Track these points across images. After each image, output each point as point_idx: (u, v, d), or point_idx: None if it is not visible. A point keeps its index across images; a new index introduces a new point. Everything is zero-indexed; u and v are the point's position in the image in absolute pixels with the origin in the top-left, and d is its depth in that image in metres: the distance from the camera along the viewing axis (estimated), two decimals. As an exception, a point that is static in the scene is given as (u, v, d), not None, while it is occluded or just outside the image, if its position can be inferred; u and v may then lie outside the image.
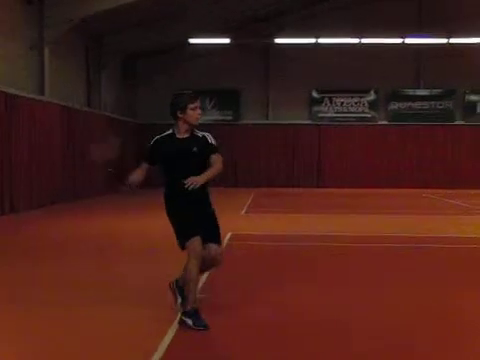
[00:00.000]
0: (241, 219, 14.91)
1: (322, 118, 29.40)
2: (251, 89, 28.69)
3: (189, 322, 5.46)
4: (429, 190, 26.01)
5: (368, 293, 6.98)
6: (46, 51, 18.64)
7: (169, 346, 4.99)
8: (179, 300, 5.73)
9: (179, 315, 5.62)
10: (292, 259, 9.34)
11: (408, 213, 16.66)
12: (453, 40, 26.62)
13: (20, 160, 16.47)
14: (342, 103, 29.39)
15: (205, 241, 5.60)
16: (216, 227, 5.72)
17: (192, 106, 5.65)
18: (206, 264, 5.67)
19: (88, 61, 23.23)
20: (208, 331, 5.34)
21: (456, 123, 29.10)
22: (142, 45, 25.26)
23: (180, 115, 5.68)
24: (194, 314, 5.47)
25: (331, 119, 29.39)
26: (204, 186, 5.57)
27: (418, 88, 29.16)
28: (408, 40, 26.77)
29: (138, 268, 8.47)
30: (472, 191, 24.72)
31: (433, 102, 29.19)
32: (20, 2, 17.58)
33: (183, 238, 5.52)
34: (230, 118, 29.31)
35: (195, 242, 5.48)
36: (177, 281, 5.82)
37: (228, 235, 11.02)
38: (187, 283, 5.54)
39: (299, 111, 29.16)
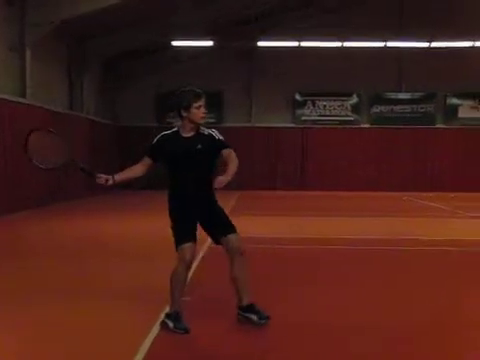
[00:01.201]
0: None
1: (305, 121, 29.49)
2: (234, 92, 28.69)
3: (170, 325, 5.44)
4: (410, 193, 26.15)
5: (362, 294, 7.01)
6: (27, 53, 18.48)
7: (151, 347, 4.97)
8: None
9: (162, 317, 5.60)
10: (281, 261, 9.33)
11: (392, 216, 16.73)
12: (434, 44, 26.84)
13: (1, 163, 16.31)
14: (325, 106, 29.50)
15: (222, 235, 5.56)
16: (227, 218, 5.64)
17: (196, 105, 5.48)
18: (233, 256, 5.58)
19: (70, 63, 23.08)
20: (189, 334, 5.32)
21: (437, 126, 29.33)
22: (124, 47, 25.17)
23: (184, 114, 5.52)
24: (176, 317, 5.46)
25: (314, 122, 29.48)
26: (209, 185, 5.51)
27: (400, 92, 29.35)
28: (390, 44, 26.94)
29: (121, 268, 8.42)
30: (452, 194, 24.89)
31: (415, 105, 29.40)
32: (1, 3, 17.41)
33: (177, 242, 5.48)
34: (213, 121, 29.21)
35: (186, 248, 5.43)
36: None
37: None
38: (172, 285, 5.52)
39: (282, 114, 29.23)
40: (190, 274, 8.05)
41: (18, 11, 18.21)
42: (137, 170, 5.69)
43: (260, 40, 27.18)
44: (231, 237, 5.58)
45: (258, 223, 14.26)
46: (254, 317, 5.52)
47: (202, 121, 5.56)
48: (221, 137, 5.60)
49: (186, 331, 5.36)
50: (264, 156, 29.05)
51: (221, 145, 5.55)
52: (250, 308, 5.58)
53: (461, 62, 27.71)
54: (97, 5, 18.84)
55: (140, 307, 6.29)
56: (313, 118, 29.51)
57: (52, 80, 21.49)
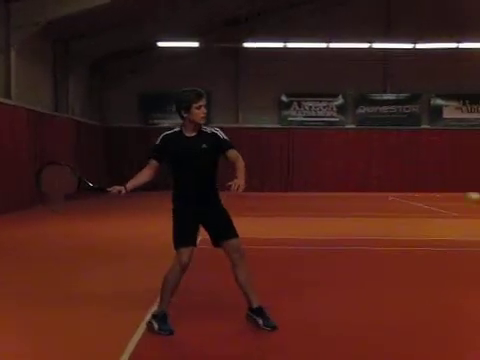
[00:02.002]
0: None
1: (291, 122, 29.56)
2: (220, 92, 28.67)
3: (155, 326, 5.44)
4: (395, 193, 26.28)
5: (360, 295, 7.05)
6: (12, 54, 18.40)
7: (135, 349, 4.98)
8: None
9: (149, 317, 5.60)
10: (271, 262, 9.35)
11: (379, 216, 16.82)
12: (419, 45, 27.01)
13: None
14: (311, 107, 29.58)
15: (223, 239, 5.54)
16: (229, 222, 5.61)
17: (197, 105, 5.45)
18: (235, 261, 5.55)
19: (55, 64, 22.98)
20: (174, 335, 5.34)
21: (422, 127, 29.51)
22: (110, 48, 25.09)
23: (185, 115, 5.49)
24: (161, 318, 5.46)
25: (300, 123, 29.56)
26: (213, 184, 5.54)
27: (385, 93, 29.50)
28: (375, 45, 27.07)
29: (106, 270, 8.42)
30: (438, 194, 25.05)
31: (400, 106, 29.55)
32: (-14, 4, 17.35)
33: (176, 243, 5.48)
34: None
35: (184, 252, 5.42)
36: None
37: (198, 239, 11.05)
38: (164, 286, 5.52)
39: (268, 115, 29.28)
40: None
41: (3, 12, 18.12)
42: (146, 175, 5.63)
43: (246, 41, 27.19)
44: (233, 242, 5.56)
45: (245, 224, 14.24)
46: (260, 321, 5.51)
47: (203, 121, 5.54)
48: (225, 137, 5.60)
49: (170, 333, 5.37)
50: (250, 157, 29.04)
51: (226, 145, 5.56)
52: (259, 311, 5.56)
53: (446, 63, 27.90)
54: (83, 6, 18.77)
55: (123, 309, 6.28)
56: (299, 119, 29.59)
57: (37, 81, 21.39)
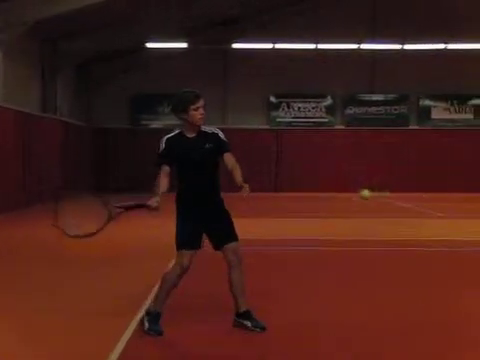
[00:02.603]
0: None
1: (280, 123, 29.58)
2: (209, 93, 28.20)
3: (146, 325, 5.42)
4: (384, 194, 26.37)
5: (355, 295, 7.07)
6: (0, 54, 18.29)
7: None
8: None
9: (143, 313, 5.55)
10: (259, 263, 9.33)
11: (370, 217, 16.89)
12: (407, 46, 27.13)
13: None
14: (299, 108, 29.62)
15: (223, 243, 5.52)
16: (231, 225, 5.60)
17: (194, 107, 5.46)
18: (232, 264, 5.53)
19: (43, 65, 22.86)
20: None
21: (411, 127, 29.63)
22: (99, 49, 24.98)
23: (183, 116, 5.50)
24: (154, 318, 5.44)
25: (289, 124, 29.59)
26: (216, 184, 5.59)
27: (373, 93, 29.58)
28: (363, 46, 27.16)
29: (95, 274, 8.38)
30: (425, 194, 25.15)
31: (388, 107, 29.65)
32: (-27, 4, 17.23)
33: (179, 245, 5.46)
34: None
35: (187, 255, 5.42)
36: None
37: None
38: (162, 285, 5.50)
39: (257, 116, 29.28)
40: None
41: (-10, 12, 18.01)
42: (165, 182, 5.51)
43: (235, 42, 27.20)
44: (232, 246, 5.56)
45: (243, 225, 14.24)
46: (248, 323, 5.52)
47: (200, 122, 5.54)
48: (225, 139, 5.67)
49: (159, 334, 5.34)
50: (239, 158, 28.89)
51: (225, 147, 5.62)
52: (246, 314, 5.57)
53: (434, 64, 28.01)
54: (71, 6, 18.66)
55: (112, 313, 6.27)
56: (288, 120, 29.61)
57: (25, 81, 21.27)
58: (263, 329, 5.46)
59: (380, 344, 5.26)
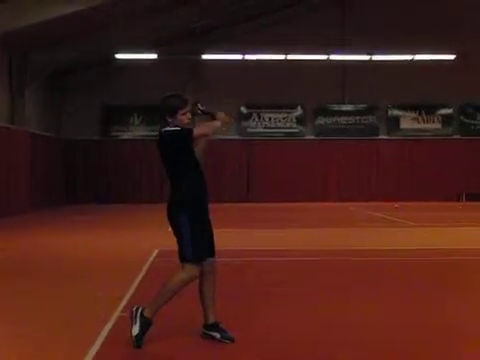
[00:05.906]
0: (168, 235, 14.73)
1: (251, 133, 29.65)
2: (180, 105, 28.54)
3: (137, 329, 5.26)
4: (355, 203, 26.56)
5: (327, 308, 7.02)
6: (-33, 66, 18.08)
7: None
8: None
9: (139, 310, 5.35)
10: (224, 274, 9.29)
11: (344, 226, 17.00)
12: (376, 57, 27.43)
13: None
14: (270, 118, 29.74)
15: (208, 255, 5.46)
16: (213, 237, 5.58)
17: (182, 111, 5.44)
18: (209, 277, 5.47)
19: (12, 76, 22.61)
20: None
21: (380, 137, 29.93)
22: (69, 60, 24.81)
23: (169, 120, 5.45)
24: (146, 326, 5.29)
25: (260, 134, 29.67)
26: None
27: (343, 103, 29.83)
28: (333, 57, 27.39)
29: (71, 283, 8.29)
30: (396, 204, 25.39)
31: (358, 117, 29.93)
32: None
33: (193, 257, 5.30)
34: (158, 134, 29.12)
35: (198, 268, 5.33)
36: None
37: (155, 252, 11.04)
38: (163, 291, 5.37)
39: (228, 126, 29.24)
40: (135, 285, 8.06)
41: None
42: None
43: (205, 53, 27.23)
44: (214, 259, 5.55)
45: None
46: (217, 335, 5.45)
47: (187, 127, 5.49)
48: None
49: (139, 345, 5.21)
50: (210, 168, 28.97)
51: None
52: (215, 326, 5.51)
53: (402, 75, 28.37)
54: (41, 17, 18.54)
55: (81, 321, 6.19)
56: (259, 130, 29.72)
57: (-7, 93, 21.02)
58: (231, 340, 5.42)
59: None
